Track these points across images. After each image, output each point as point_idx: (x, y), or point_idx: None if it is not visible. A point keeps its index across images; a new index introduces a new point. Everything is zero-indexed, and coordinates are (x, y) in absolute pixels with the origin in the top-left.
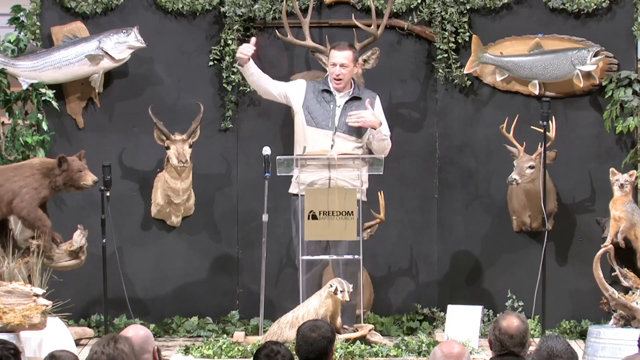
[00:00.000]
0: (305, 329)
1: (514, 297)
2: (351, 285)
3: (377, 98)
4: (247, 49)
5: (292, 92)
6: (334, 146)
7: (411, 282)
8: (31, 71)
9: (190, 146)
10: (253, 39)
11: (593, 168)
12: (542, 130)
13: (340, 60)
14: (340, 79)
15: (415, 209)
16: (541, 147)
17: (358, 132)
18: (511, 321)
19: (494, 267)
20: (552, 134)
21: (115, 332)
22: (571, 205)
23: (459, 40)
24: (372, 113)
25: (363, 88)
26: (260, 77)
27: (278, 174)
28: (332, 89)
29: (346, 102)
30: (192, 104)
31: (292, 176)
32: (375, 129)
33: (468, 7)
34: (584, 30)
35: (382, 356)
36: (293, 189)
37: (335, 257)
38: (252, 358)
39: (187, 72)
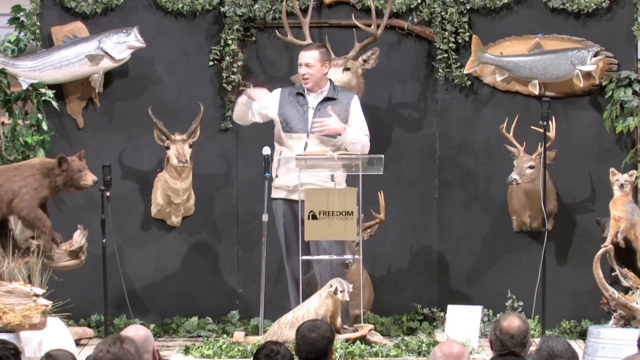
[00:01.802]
0: (305, 329)
1: (514, 297)
2: (351, 285)
3: (355, 97)
4: (256, 95)
5: (266, 104)
6: (307, 147)
7: (411, 282)
8: (31, 71)
9: (190, 146)
10: (265, 90)
11: (593, 168)
12: (542, 130)
13: (304, 60)
14: (306, 79)
15: (415, 209)
16: (541, 147)
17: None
18: (512, 321)
19: (494, 267)
20: (552, 134)
21: (116, 332)
22: (571, 205)
23: (459, 40)
24: (336, 120)
25: (340, 89)
26: (246, 110)
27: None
28: (304, 92)
29: (319, 103)
30: (192, 104)
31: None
32: (340, 135)
33: (468, 7)
34: (584, 30)
35: (382, 356)
36: (274, 194)
37: (335, 256)
38: (252, 358)
39: (187, 72)
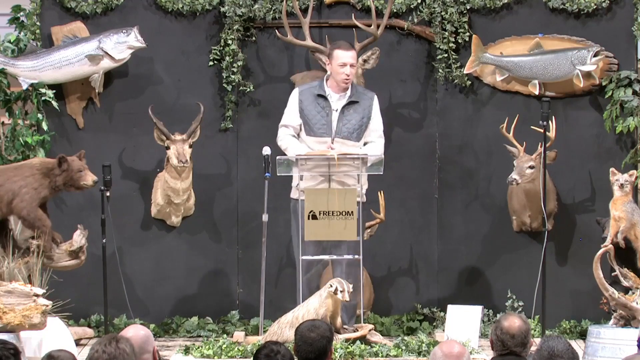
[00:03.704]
0: (304, 329)
1: (514, 297)
2: (351, 285)
3: (375, 99)
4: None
5: (295, 114)
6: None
7: (411, 282)
8: (31, 71)
9: (190, 146)
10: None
11: (593, 168)
12: (542, 130)
13: (350, 60)
14: (348, 80)
15: (415, 209)
16: (541, 147)
17: (357, 136)
18: (513, 321)
19: (494, 267)
20: (552, 134)
21: (115, 332)
22: (571, 205)
23: (459, 40)
24: (338, 150)
25: (362, 88)
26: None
27: (278, 174)
28: (326, 94)
29: (344, 107)
30: (192, 104)
31: (292, 177)
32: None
33: (468, 7)
34: (584, 30)
35: (382, 356)
36: (294, 194)
37: (335, 257)
38: (252, 358)
39: (187, 72)
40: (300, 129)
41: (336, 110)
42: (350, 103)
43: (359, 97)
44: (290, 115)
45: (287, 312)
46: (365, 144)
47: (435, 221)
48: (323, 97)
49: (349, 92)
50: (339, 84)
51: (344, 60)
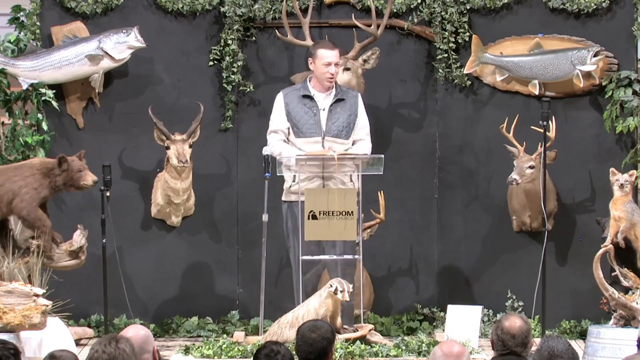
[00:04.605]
0: (305, 329)
1: (514, 297)
2: (351, 286)
3: (359, 96)
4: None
5: (282, 118)
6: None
7: (411, 282)
8: (31, 71)
9: (190, 146)
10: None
11: (593, 168)
12: (542, 130)
13: (334, 59)
14: (333, 78)
15: (415, 209)
16: (541, 147)
17: (346, 134)
18: (514, 321)
19: (494, 267)
20: (552, 134)
21: (115, 332)
22: (571, 205)
23: (459, 40)
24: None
25: (345, 87)
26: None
27: (278, 174)
28: (312, 93)
29: (331, 105)
30: (192, 104)
31: (285, 179)
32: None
33: (468, 7)
34: (584, 30)
35: (382, 356)
36: (285, 197)
37: (335, 257)
38: (252, 358)
39: (187, 72)
40: (289, 133)
41: (323, 109)
42: (337, 101)
43: (345, 95)
44: (278, 120)
45: (287, 312)
46: (354, 142)
47: (435, 221)
48: (309, 97)
49: (334, 91)
50: (324, 83)
51: (328, 60)
